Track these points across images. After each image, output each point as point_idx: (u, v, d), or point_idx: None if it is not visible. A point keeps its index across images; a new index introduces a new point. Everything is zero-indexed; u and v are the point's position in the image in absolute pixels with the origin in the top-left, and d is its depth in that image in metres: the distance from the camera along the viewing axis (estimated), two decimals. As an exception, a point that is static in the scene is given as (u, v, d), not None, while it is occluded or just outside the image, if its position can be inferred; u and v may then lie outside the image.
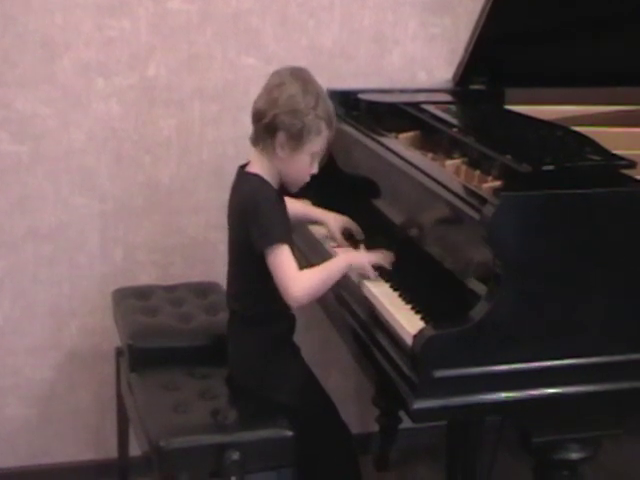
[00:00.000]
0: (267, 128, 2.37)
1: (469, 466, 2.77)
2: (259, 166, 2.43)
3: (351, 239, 2.66)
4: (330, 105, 2.43)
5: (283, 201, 2.48)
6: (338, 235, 2.66)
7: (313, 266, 2.42)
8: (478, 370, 2.06)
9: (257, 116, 2.40)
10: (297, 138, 2.37)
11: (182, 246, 3.17)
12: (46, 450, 3.20)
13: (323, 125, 2.39)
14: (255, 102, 2.42)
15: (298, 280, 2.33)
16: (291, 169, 2.42)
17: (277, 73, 2.43)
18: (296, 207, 2.65)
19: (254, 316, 2.48)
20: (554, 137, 2.50)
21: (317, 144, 2.41)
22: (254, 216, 2.35)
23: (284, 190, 2.50)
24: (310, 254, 2.71)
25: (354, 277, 2.45)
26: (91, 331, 3.14)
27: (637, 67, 2.93)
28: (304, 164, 2.42)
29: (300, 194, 2.92)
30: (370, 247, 2.51)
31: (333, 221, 2.68)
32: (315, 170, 2.46)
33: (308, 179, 2.48)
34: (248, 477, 2.35)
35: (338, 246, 2.65)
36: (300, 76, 2.41)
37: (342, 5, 3.13)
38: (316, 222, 2.75)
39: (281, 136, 2.37)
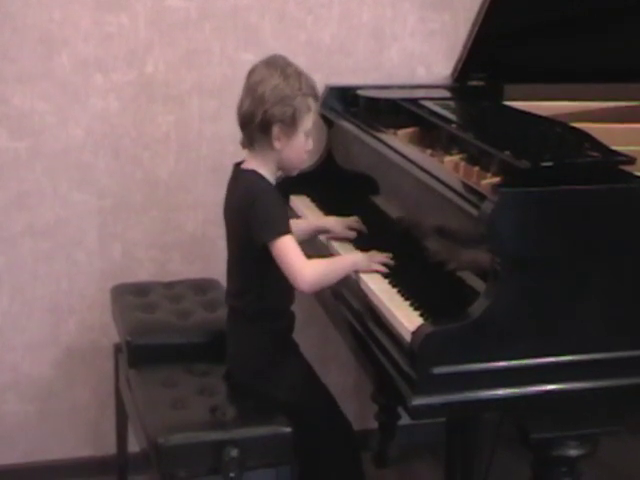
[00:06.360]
0: (260, 127, 2.37)
1: (468, 463, 2.77)
2: (255, 163, 2.43)
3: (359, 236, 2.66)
4: (311, 79, 2.44)
5: (280, 195, 2.48)
6: (347, 233, 2.66)
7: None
8: (477, 367, 2.05)
9: (247, 119, 2.39)
10: (291, 124, 2.37)
11: (181, 242, 3.16)
12: (45, 447, 3.19)
13: (311, 101, 2.41)
14: (240, 107, 2.41)
15: (307, 266, 2.34)
16: (290, 154, 2.43)
17: (252, 72, 2.42)
18: (299, 224, 2.64)
19: (254, 313, 2.47)
20: (553, 133, 2.49)
21: (309, 121, 2.42)
22: (253, 210, 2.35)
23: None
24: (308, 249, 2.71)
25: (352, 274, 2.45)
26: (90, 327, 3.14)
27: (635, 63, 2.92)
28: (300, 144, 2.43)
29: (299, 191, 2.93)
30: (369, 244, 2.51)
31: (334, 223, 2.69)
32: (310, 146, 2.47)
33: (306, 157, 2.50)
34: (247, 474, 2.34)
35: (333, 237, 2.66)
36: (275, 64, 2.40)
37: (341, 1, 3.12)
38: (322, 231, 2.71)
39: (276, 129, 2.37)
